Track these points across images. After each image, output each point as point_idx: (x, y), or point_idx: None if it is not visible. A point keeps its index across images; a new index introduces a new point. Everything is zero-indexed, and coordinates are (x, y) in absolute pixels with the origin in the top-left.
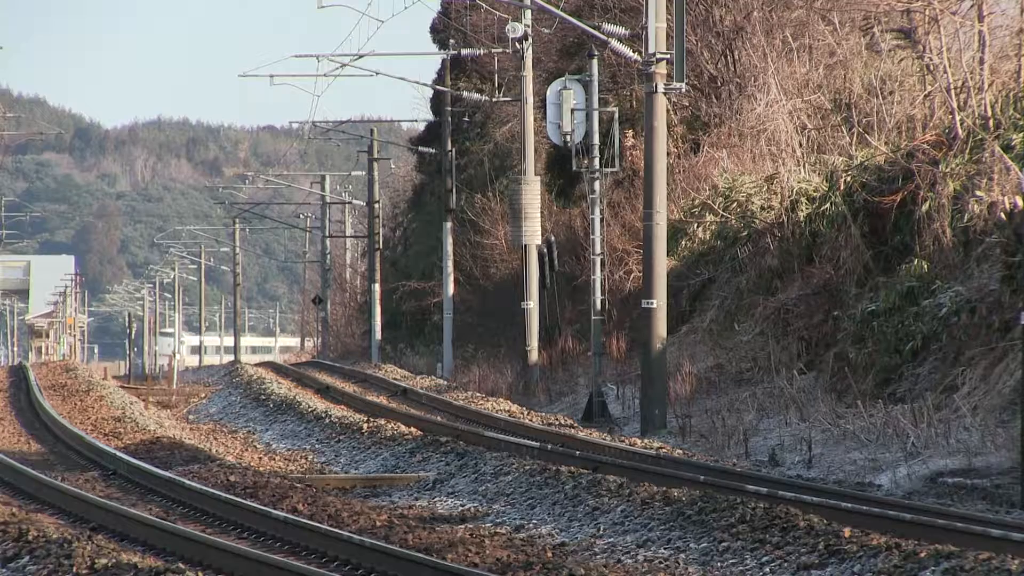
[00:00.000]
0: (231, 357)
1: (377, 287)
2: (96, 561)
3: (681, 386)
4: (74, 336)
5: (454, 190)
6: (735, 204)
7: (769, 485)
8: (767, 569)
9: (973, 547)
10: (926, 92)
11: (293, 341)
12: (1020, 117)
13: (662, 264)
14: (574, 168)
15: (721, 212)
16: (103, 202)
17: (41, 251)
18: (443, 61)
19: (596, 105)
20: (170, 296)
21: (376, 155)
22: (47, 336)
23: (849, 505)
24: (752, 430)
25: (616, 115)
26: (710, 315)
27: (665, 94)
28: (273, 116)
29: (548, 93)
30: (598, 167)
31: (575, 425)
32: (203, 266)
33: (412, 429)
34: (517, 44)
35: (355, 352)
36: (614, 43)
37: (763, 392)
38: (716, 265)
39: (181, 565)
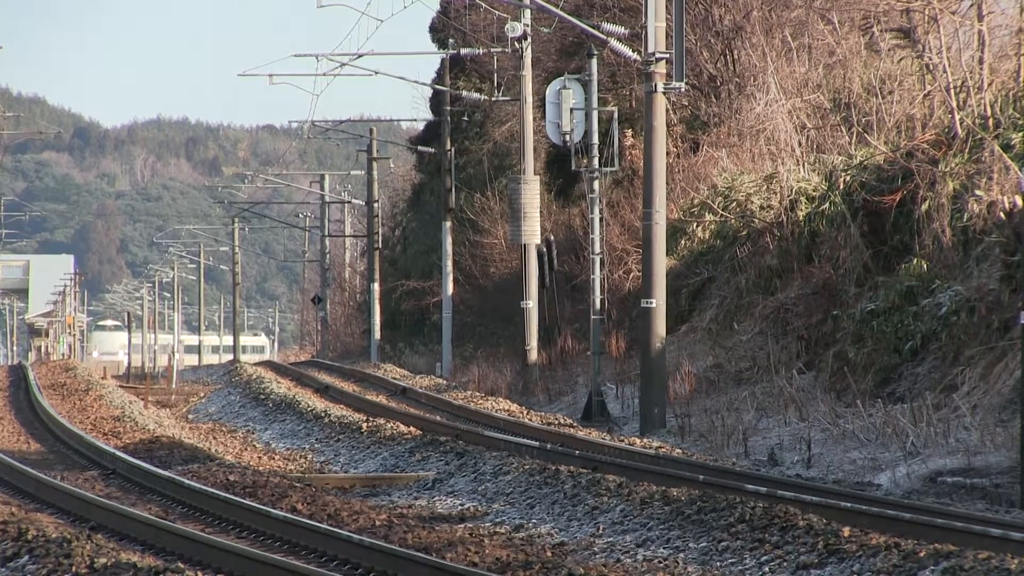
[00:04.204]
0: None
1: (376, 286)
2: (95, 560)
3: (680, 385)
4: (73, 335)
5: (453, 189)
6: (734, 204)
7: (768, 485)
8: (766, 568)
9: (972, 546)
10: (925, 92)
11: (260, 341)
12: (1019, 116)
13: (661, 263)
14: (573, 167)
15: (720, 211)
16: (102, 201)
17: (40, 250)
18: (442, 60)
19: (595, 104)
20: (169, 295)
21: (375, 154)
22: (47, 335)
23: (848, 504)
24: (751, 429)
25: (615, 114)
26: (709, 314)
27: (664, 93)
28: (272, 115)
29: (547, 92)
30: (597, 166)
31: (574, 424)
32: (202, 265)
33: (411, 428)
34: (516, 43)
35: (354, 351)
36: (613, 42)
37: (762, 391)
38: (715, 264)
39: (180, 564)
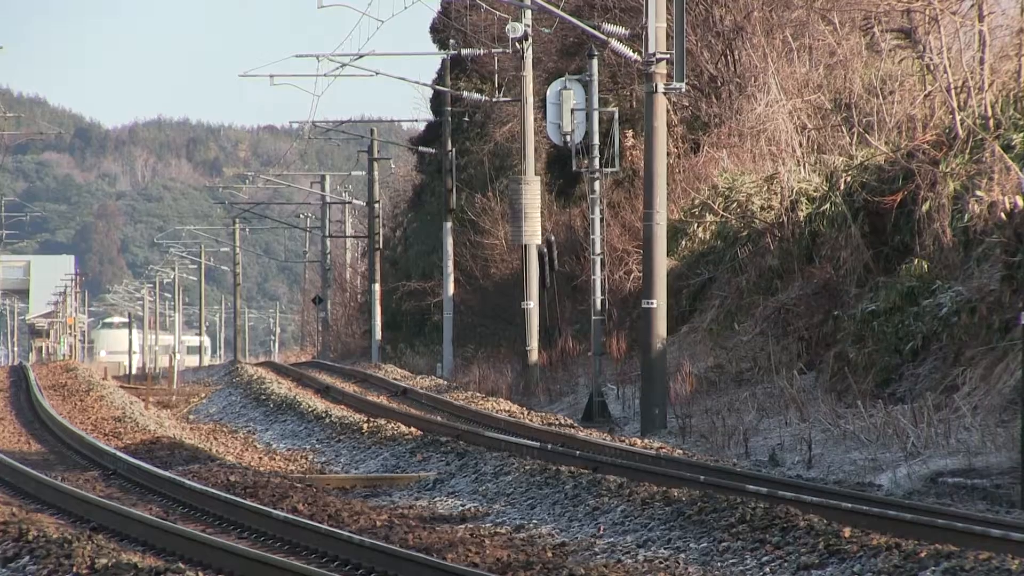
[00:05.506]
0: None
1: (377, 287)
2: (96, 561)
3: (681, 386)
4: (74, 336)
5: (454, 190)
6: (735, 204)
7: (769, 485)
8: (767, 569)
9: (973, 547)
10: (926, 92)
11: (194, 340)
12: (1020, 117)
13: (662, 264)
14: (574, 168)
15: (721, 212)
16: (103, 202)
17: (41, 251)
18: (443, 61)
19: (596, 105)
20: (170, 296)
21: (376, 155)
22: (48, 336)
23: (849, 505)
24: (752, 430)
25: (616, 115)
26: (710, 315)
27: (665, 94)
28: (273, 116)
29: (548, 93)
30: (598, 167)
31: (575, 425)
32: (203, 266)
33: (412, 429)
34: (517, 44)
35: (355, 352)
36: (614, 43)
37: (763, 392)
38: (716, 265)
39: (181, 565)
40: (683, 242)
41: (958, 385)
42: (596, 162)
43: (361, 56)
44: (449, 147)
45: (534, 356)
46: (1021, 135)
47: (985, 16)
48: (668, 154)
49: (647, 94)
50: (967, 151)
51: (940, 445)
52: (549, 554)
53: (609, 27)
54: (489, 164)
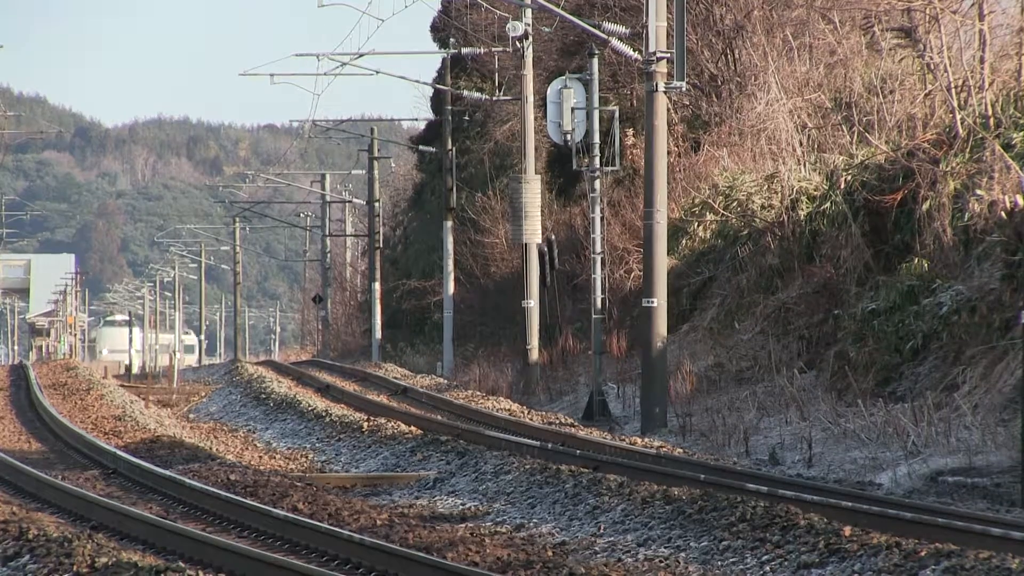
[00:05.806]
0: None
1: (377, 286)
2: (96, 560)
3: (682, 385)
4: (74, 335)
5: (454, 189)
6: (735, 203)
7: (769, 484)
8: (767, 568)
9: (973, 546)
10: (927, 91)
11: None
12: (1021, 116)
13: (662, 263)
14: (574, 167)
15: (721, 211)
16: (103, 201)
17: (41, 250)
18: (443, 60)
19: (596, 104)
20: (170, 295)
21: (376, 154)
22: (48, 335)
23: (849, 504)
24: (752, 429)
25: (616, 114)
26: (710, 314)
27: (665, 93)
28: (273, 115)
29: (548, 92)
30: (598, 166)
31: (575, 424)
32: (203, 265)
33: (412, 428)
34: (517, 43)
35: (355, 351)
36: (614, 42)
37: (763, 391)
38: (716, 264)
39: (181, 564)
40: (683, 241)
41: (958, 384)
42: (596, 161)
43: (361, 55)
44: (449, 146)
45: (534, 355)
46: (1021, 134)
47: (985, 15)
48: (668, 153)
49: (647, 93)
50: (967, 150)
51: (940, 444)
52: (549, 553)
53: (609, 26)
54: (489, 163)
